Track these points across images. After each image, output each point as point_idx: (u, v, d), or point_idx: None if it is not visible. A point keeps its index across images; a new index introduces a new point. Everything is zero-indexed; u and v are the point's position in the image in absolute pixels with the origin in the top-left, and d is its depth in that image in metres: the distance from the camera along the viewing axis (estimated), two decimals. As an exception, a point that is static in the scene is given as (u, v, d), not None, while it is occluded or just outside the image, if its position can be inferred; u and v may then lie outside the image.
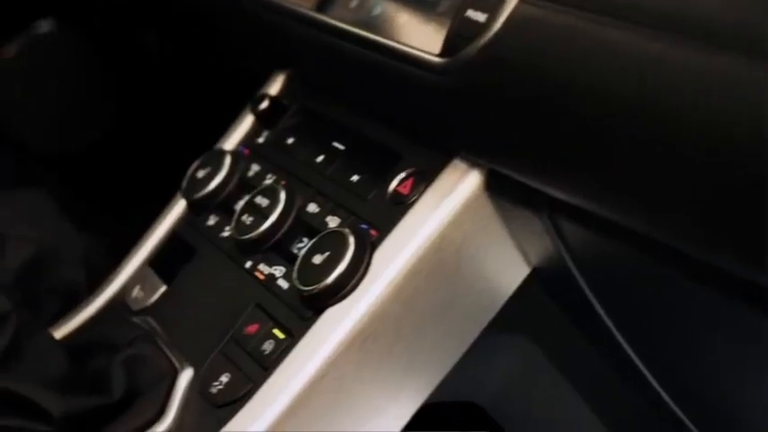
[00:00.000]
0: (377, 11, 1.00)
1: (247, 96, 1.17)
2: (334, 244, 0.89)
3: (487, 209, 0.88)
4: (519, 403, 1.08)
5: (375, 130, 0.99)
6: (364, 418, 0.89)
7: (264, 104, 1.10)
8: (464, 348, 0.91)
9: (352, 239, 0.87)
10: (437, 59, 0.81)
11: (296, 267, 0.90)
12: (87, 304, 1.11)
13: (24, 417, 0.86)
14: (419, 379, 0.90)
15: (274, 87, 1.14)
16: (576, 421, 1.07)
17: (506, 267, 0.90)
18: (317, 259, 0.88)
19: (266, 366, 0.89)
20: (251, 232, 0.97)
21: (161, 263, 1.09)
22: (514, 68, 0.73)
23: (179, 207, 1.12)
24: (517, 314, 0.93)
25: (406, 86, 0.89)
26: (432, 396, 0.91)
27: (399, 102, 0.92)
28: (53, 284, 1.13)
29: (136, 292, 1.07)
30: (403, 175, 0.92)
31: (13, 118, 1.59)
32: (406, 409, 0.91)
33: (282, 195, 0.97)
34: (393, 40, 0.89)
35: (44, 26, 1.65)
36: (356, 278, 0.88)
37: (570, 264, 0.83)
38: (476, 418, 1.07)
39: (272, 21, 1.07)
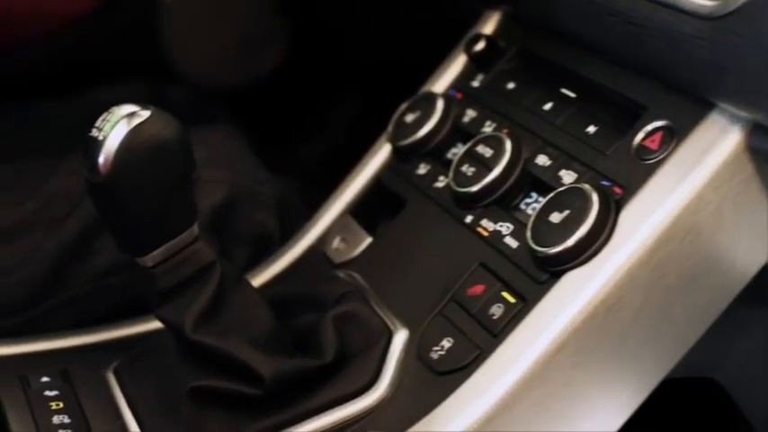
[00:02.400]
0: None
1: (446, 35, 1.09)
2: (574, 201, 0.83)
3: (747, 170, 0.82)
4: (761, 382, 1.00)
5: (609, 77, 0.93)
6: (601, 393, 0.84)
7: (480, 45, 1.03)
8: (711, 321, 0.85)
9: (595, 197, 0.81)
10: (708, 2, 0.75)
11: (529, 226, 0.84)
12: (282, 253, 1.06)
13: (233, 378, 0.82)
14: (661, 353, 0.85)
15: (488, 27, 1.07)
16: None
17: (762, 234, 0.82)
18: (555, 218, 0.82)
19: (495, 333, 0.84)
20: (473, 185, 0.90)
21: (364, 212, 1.05)
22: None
23: (383, 153, 1.06)
24: (764, 286, 0.84)
25: (664, 31, 0.83)
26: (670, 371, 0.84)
27: (650, 48, 0.85)
28: (245, 230, 1.08)
29: (336, 243, 1.02)
30: (650, 128, 0.86)
31: (185, 55, 1.54)
32: (646, 384, 0.85)
33: (508, 145, 0.90)
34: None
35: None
36: (600, 240, 0.82)
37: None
38: (713, 395, 1.00)
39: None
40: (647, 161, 0.83)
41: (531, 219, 0.84)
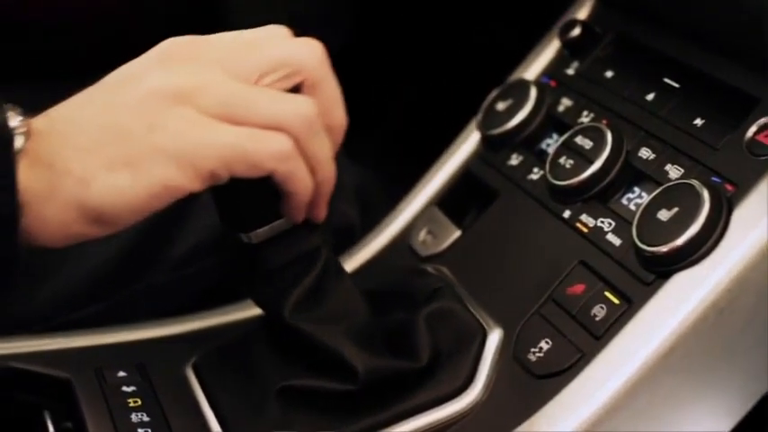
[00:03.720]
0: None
1: (530, 21, 1.06)
2: (683, 198, 0.80)
3: None
4: None
5: (716, 67, 0.89)
6: (709, 399, 0.81)
7: (576, 31, 1.00)
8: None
9: (706, 194, 0.78)
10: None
11: (634, 223, 0.81)
12: (365, 245, 1.04)
13: (324, 374, 0.81)
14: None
15: (582, 12, 1.04)
16: None
17: None
18: (663, 215, 0.79)
19: (597, 335, 0.81)
20: (572, 178, 0.88)
21: (452, 204, 1.03)
22: None
23: (471, 141, 1.03)
24: None
25: None
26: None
27: (759, 38, 0.80)
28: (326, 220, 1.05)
29: (423, 235, 0.99)
30: (763, 121, 0.83)
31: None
32: (756, 389, 0.82)
33: (609, 136, 0.87)
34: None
35: None
36: (712, 240, 0.80)
37: None
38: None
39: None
40: (761, 157, 0.81)
41: (637, 215, 0.81)
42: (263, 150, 0.75)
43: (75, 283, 1.01)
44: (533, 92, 0.98)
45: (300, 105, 0.77)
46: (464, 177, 1.01)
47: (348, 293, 0.84)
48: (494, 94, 1.01)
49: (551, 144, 0.96)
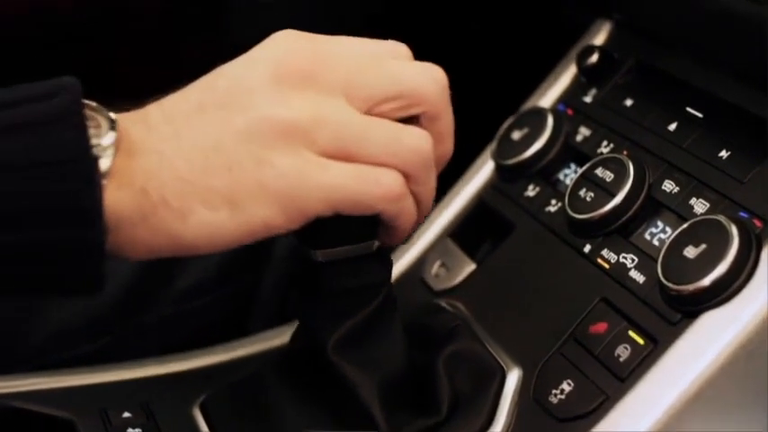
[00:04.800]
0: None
1: (548, 45, 1.04)
2: (710, 235, 0.79)
3: None
4: None
5: (741, 96, 0.88)
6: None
7: (594, 58, 0.97)
8: None
9: (734, 231, 0.76)
10: None
11: (659, 260, 0.78)
12: (377, 277, 0.99)
13: (348, 424, 0.79)
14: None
15: (599, 38, 1.02)
16: None
17: None
18: (690, 252, 0.77)
19: (622, 377, 0.79)
20: (593, 211, 0.85)
21: (466, 236, 1.01)
22: None
23: (485, 171, 1.00)
24: None
25: None
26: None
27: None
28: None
29: (436, 268, 0.97)
30: (792, 155, 0.78)
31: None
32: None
33: (631, 168, 0.85)
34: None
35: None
36: (741, 279, 0.77)
37: None
38: None
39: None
40: (790, 191, 0.76)
41: (662, 252, 0.79)
42: (373, 193, 0.72)
43: (76, 317, 0.99)
44: (550, 120, 0.96)
45: (418, 142, 0.74)
46: (478, 208, 1.00)
47: (395, 340, 0.82)
48: (509, 122, 1.00)
49: (569, 174, 0.94)
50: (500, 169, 0.99)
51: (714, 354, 0.75)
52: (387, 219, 0.75)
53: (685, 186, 0.84)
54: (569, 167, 0.95)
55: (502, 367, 0.84)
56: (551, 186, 0.94)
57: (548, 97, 1.02)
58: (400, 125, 0.74)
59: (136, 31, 1.31)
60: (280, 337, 0.96)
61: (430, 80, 0.76)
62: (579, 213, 0.87)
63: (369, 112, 0.74)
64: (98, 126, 0.67)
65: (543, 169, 0.96)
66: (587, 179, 0.88)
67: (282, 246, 1.05)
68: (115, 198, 0.67)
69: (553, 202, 0.92)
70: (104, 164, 0.66)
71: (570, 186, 0.89)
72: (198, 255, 0.72)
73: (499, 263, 0.94)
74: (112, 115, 0.68)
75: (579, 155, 0.94)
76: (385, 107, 0.75)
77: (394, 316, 0.81)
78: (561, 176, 0.94)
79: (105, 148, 0.67)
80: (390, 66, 0.76)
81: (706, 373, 0.75)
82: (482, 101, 1.06)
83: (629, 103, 0.94)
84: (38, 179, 0.64)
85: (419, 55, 0.77)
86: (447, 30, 1.40)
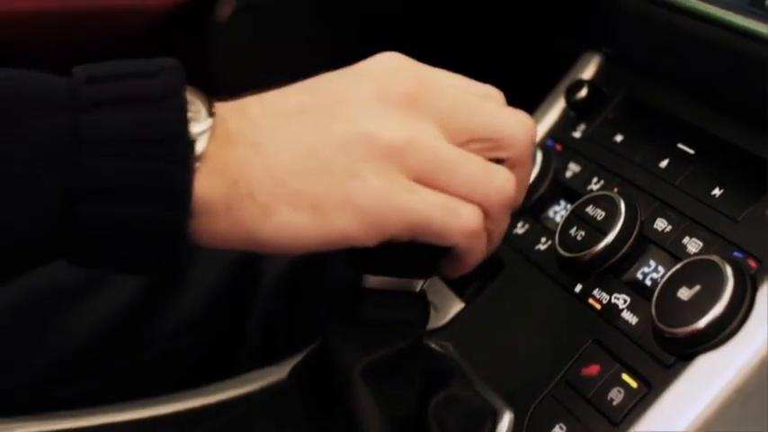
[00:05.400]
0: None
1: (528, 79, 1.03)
2: (704, 275, 0.77)
3: None
4: None
5: (734, 133, 0.87)
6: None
7: (583, 92, 0.96)
8: None
9: (729, 271, 0.74)
10: None
11: (653, 302, 0.77)
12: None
13: None
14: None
15: (588, 71, 1.01)
16: None
17: None
18: (684, 294, 0.76)
19: (615, 421, 0.78)
20: (583, 250, 0.84)
21: (455, 275, 0.95)
22: None
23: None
24: None
25: None
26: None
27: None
28: (322, 288, 1.03)
29: (424, 307, 0.94)
30: (786, 193, 0.77)
31: (229, 75, 1.49)
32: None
33: (622, 206, 0.84)
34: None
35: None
36: (737, 321, 0.76)
37: None
38: None
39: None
40: (786, 230, 0.75)
41: (656, 294, 0.78)
42: (454, 225, 0.73)
43: (59, 358, 0.98)
44: (539, 156, 0.95)
45: (503, 183, 0.75)
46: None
47: (414, 384, 0.81)
48: (497, 158, 0.97)
49: (559, 211, 0.93)
50: (488, 206, 0.96)
51: (710, 398, 0.74)
52: (459, 252, 0.76)
53: (678, 225, 0.83)
54: (559, 204, 0.93)
55: (493, 410, 0.82)
56: (541, 224, 0.93)
57: (537, 132, 1.00)
58: (490, 163, 0.76)
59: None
60: (267, 378, 0.95)
61: (521, 127, 0.78)
62: (570, 252, 0.86)
63: (459, 147, 0.75)
64: (197, 111, 0.67)
65: (532, 206, 0.95)
66: (578, 217, 0.87)
67: (268, 286, 1.04)
68: (205, 184, 0.67)
69: (543, 239, 0.91)
70: (199, 148, 0.67)
71: (560, 224, 0.88)
72: (271, 253, 0.74)
73: (488, 302, 0.93)
74: (212, 102, 0.68)
75: (569, 191, 0.93)
76: (474, 145, 0.76)
77: (418, 360, 0.81)
78: (551, 213, 0.93)
79: (201, 133, 0.67)
80: (487, 107, 0.77)
81: (702, 417, 0.74)
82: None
83: (619, 138, 0.93)
84: (135, 156, 0.64)
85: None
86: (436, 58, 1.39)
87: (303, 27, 1.52)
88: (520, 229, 0.94)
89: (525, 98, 1.02)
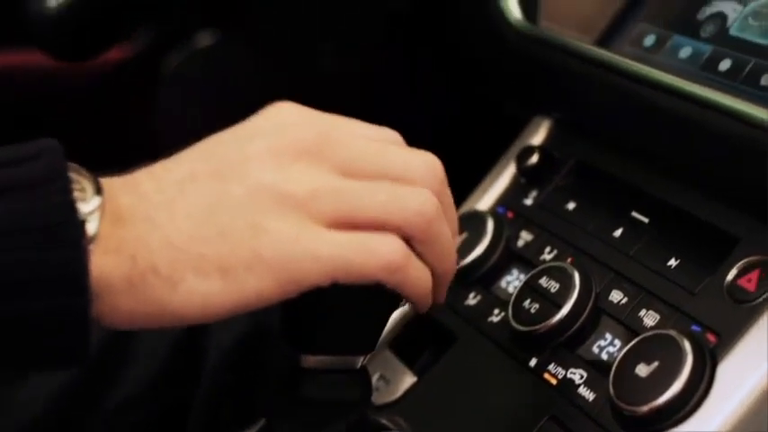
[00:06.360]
0: (685, 52, 0.84)
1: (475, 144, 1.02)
2: (662, 351, 0.76)
3: None
4: None
5: (689, 201, 0.86)
6: None
7: (534, 159, 0.94)
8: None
9: (687, 347, 0.73)
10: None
11: (611, 379, 0.76)
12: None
13: None
14: None
15: (538, 136, 0.99)
16: None
17: None
18: (642, 370, 0.74)
19: (576, 500, 0.72)
20: (538, 324, 0.83)
21: (406, 347, 0.97)
22: None
23: (423, 277, 0.96)
24: None
25: (753, 157, 0.78)
26: None
27: (737, 172, 0.77)
28: (272, 365, 1.00)
29: (375, 380, 0.93)
30: (744, 264, 0.79)
31: (172, 132, 1.48)
32: None
33: (577, 278, 0.82)
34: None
35: (206, 38, 1.55)
36: (696, 398, 0.75)
37: None
38: None
39: (543, 57, 0.97)
40: (744, 304, 0.77)
41: (613, 370, 0.77)
42: (371, 262, 0.70)
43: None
44: (490, 224, 0.93)
45: (420, 202, 0.72)
46: (418, 317, 0.95)
47: None
48: (447, 226, 0.95)
49: (512, 282, 0.91)
50: (439, 276, 0.94)
51: (670, 476, 0.71)
52: (392, 288, 0.72)
53: (634, 297, 0.81)
54: (511, 274, 0.92)
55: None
56: (493, 294, 0.91)
57: (486, 199, 0.99)
58: (402, 187, 0.73)
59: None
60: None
61: (424, 165, 0.75)
62: (524, 326, 0.84)
63: None
64: (83, 189, 0.65)
65: (484, 276, 0.93)
66: (531, 289, 0.85)
67: (213, 362, 1.02)
68: (101, 264, 0.64)
69: (496, 311, 0.89)
70: (91, 228, 0.64)
71: (514, 296, 0.86)
72: (184, 325, 0.70)
73: (441, 376, 0.91)
74: (98, 179, 0.65)
75: (522, 261, 0.91)
76: None
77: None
78: (503, 284, 0.92)
79: (91, 213, 0.64)
80: (388, 149, 0.75)
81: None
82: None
83: (571, 206, 0.92)
84: (22, 247, 0.61)
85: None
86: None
87: (250, 67, 1.51)
88: (472, 300, 0.92)
89: (477, 162, 1.00)
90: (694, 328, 0.77)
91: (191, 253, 0.67)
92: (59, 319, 0.63)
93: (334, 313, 0.73)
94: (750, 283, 0.76)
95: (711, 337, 0.76)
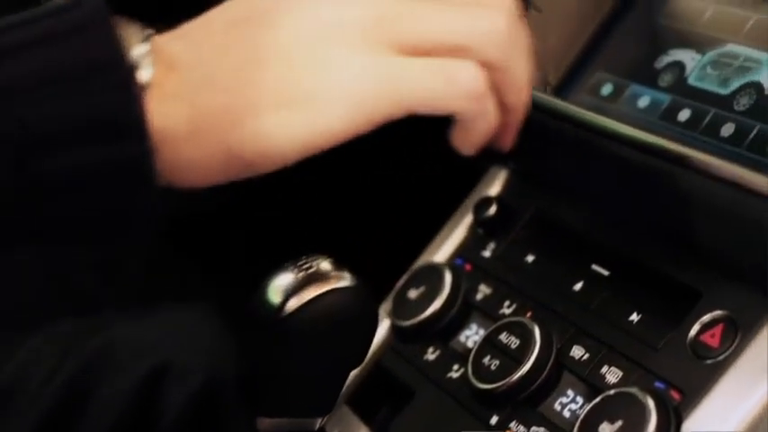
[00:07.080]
0: (643, 102, 0.84)
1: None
2: (626, 410, 0.76)
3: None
4: None
5: (650, 254, 0.85)
6: None
7: (491, 210, 0.93)
8: None
9: (651, 405, 0.73)
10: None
11: (575, 438, 0.73)
12: (268, 447, 0.93)
13: None
14: None
15: (496, 186, 0.98)
16: None
17: None
18: (606, 429, 0.72)
19: None
20: (498, 381, 0.82)
21: (364, 403, 0.96)
22: None
23: (381, 332, 0.96)
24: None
25: (715, 210, 0.77)
26: None
27: (699, 226, 0.75)
28: (226, 423, 0.98)
29: (333, 437, 0.90)
30: (707, 319, 0.78)
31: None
32: None
33: (537, 334, 0.80)
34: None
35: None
36: (662, 458, 0.70)
37: None
38: None
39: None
40: (707, 360, 0.76)
41: (576, 429, 0.73)
42: (452, 90, 0.67)
43: None
44: (448, 277, 0.92)
45: (490, 22, 0.69)
46: (375, 372, 0.93)
47: None
48: (403, 280, 0.94)
49: (471, 336, 0.90)
50: (397, 330, 0.93)
51: None
52: (464, 120, 0.70)
53: (595, 353, 0.80)
54: (470, 328, 0.91)
55: None
56: (451, 349, 0.90)
57: (443, 251, 0.97)
58: (467, 7, 0.69)
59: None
60: None
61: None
62: (484, 383, 0.83)
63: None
64: (132, 35, 0.62)
65: (443, 330, 0.91)
66: (491, 344, 0.84)
67: (173, 417, 0.99)
68: (161, 112, 0.61)
69: (455, 367, 0.88)
70: (145, 75, 0.61)
71: (473, 353, 0.85)
72: (246, 174, 0.65)
73: (399, 433, 0.88)
74: (145, 29, 0.63)
75: (481, 315, 0.89)
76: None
77: None
78: (462, 338, 0.91)
79: (142, 56, 0.61)
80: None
81: None
82: (376, 254, 1.01)
83: (530, 258, 0.90)
84: (67, 96, 0.59)
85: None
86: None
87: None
88: (430, 355, 0.91)
89: (434, 213, 0.99)
90: (658, 384, 0.76)
91: (252, 93, 0.64)
92: (121, 166, 0.60)
93: (291, 375, 0.70)
94: (713, 338, 0.75)
95: (675, 395, 0.75)
